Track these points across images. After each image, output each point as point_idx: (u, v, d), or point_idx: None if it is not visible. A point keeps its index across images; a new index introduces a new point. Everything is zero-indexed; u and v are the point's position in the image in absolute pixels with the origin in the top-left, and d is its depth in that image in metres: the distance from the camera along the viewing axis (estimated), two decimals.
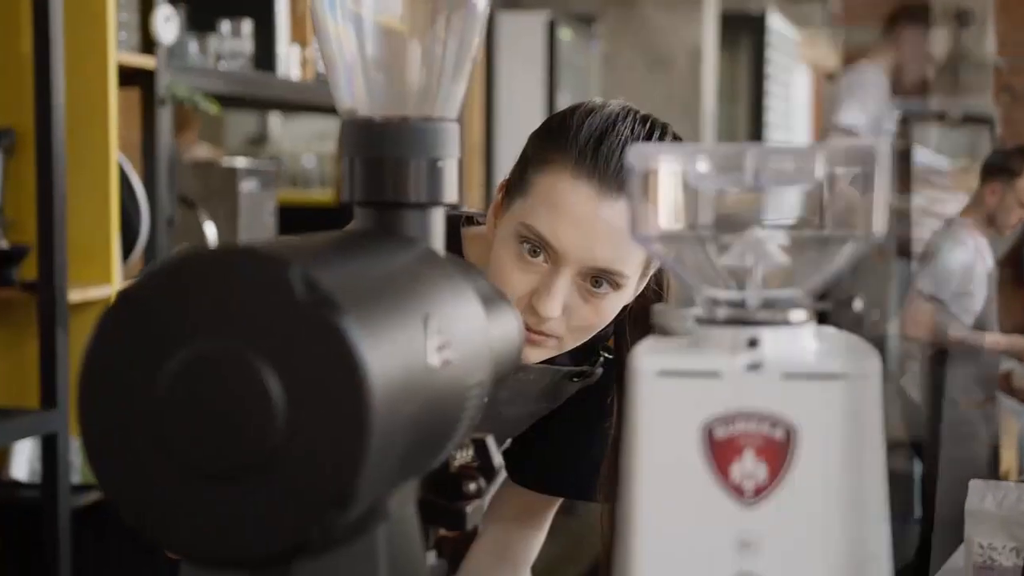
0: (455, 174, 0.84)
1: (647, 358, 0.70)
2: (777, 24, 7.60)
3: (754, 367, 0.69)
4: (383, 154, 0.81)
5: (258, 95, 3.20)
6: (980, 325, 4.32)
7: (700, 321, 0.72)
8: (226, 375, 0.62)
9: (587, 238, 1.24)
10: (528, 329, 1.27)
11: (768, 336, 0.70)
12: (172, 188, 2.83)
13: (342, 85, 0.84)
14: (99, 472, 0.64)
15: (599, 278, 1.26)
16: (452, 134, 0.83)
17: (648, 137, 1.28)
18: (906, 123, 4.82)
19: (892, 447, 4.36)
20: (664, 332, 0.78)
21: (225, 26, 3.09)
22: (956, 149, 7.54)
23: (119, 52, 2.61)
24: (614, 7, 5.37)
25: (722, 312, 0.72)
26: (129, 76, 2.68)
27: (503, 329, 0.86)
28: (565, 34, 4.86)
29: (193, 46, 3.00)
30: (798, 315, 0.71)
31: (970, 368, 4.36)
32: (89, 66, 2.53)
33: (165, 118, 2.72)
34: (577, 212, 1.23)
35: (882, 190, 0.70)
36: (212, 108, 2.78)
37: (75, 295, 2.48)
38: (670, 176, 0.72)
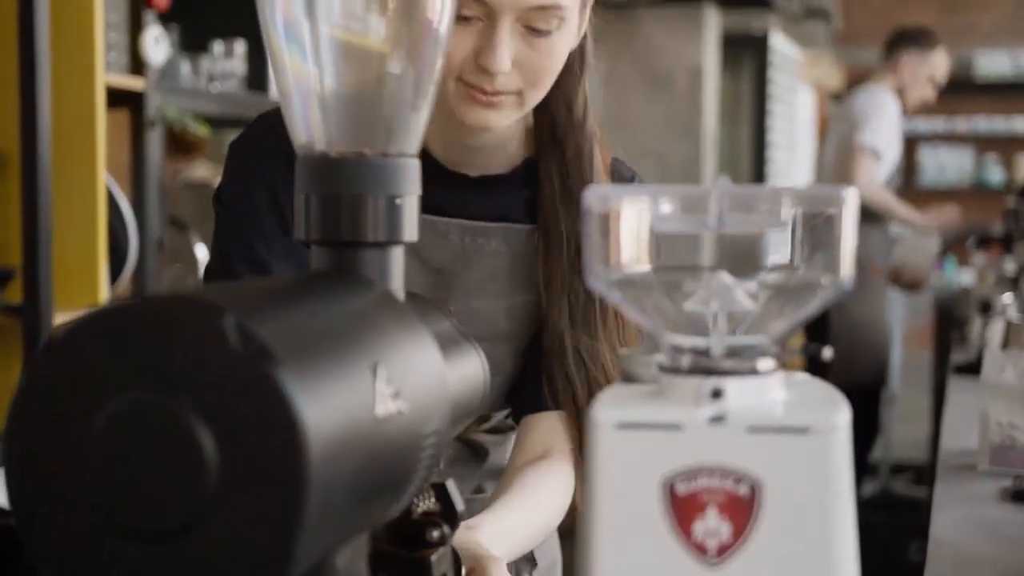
0: (415, 211, 0.81)
1: (606, 410, 0.67)
2: (779, 44, 7.58)
3: (717, 420, 0.66)
4: (339, 191, 0.78)
5: (251, 116, 3.17)
6: (887, 188, 4.62)
7: (663, 369, 0.69)
8: (157, 428, 0.59)
9: None
10: (483, 92, 1.23)
11: (733, 387, 0.67)
12: (162, 210, 2.80)
13: (298, 118, 0.81)
14: (23, 525, 0.61)
15: (539, 18, 1.21)
16: (412, 170, 0.80)
17: None
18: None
19: None
20: (629, 379, 0.74)
21: (218, 47, 3.06)
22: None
23: (108, 73, 2.59)
24: (614, 27, 5.35)
25: (686, 360, 0.69)
26: (119, 97, 2.66)
27: (463, 371, 0.83)
28: None
29: (185, 66, 2.98)
30: (765, 364, 0.68)
31: (880, 236, 4.50)
32: (77, 87, 2.50)
33: (154, 140, 2.70)
34: None
35: (850, 235, 0.67)
36: (202, 130, 2.75)
37: (61, 319, 2.45)
38: (630, 218, 0.69)
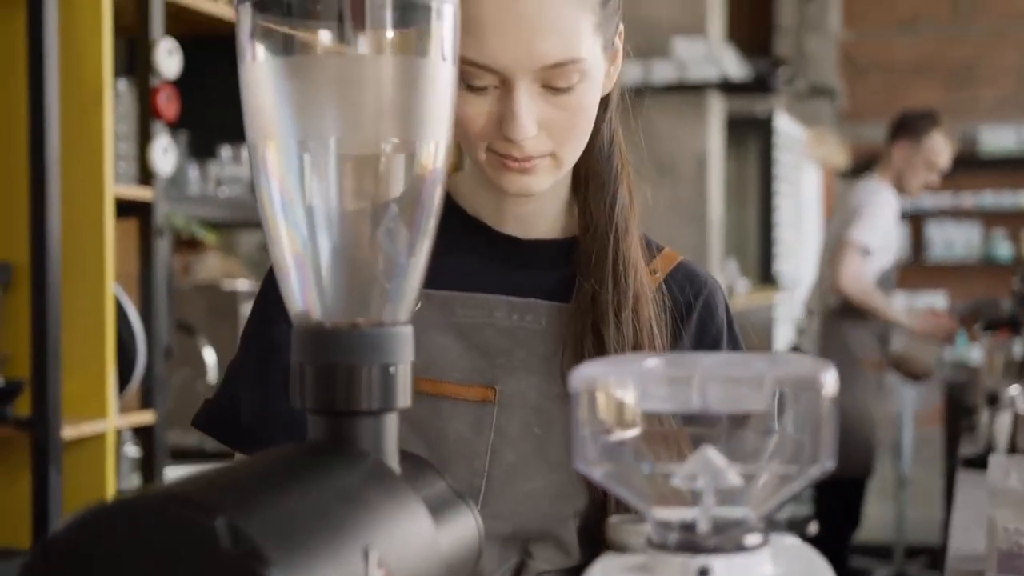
0: (408, 378, 0.82)
1: None
2: (784, 124, 7.64)
3: None
4: (334, 361, 0.80)
5: (257, 220, 3.21)
6: (882, 284, 4.55)
7: (651, 544, 0.70)
8: None
9: (518, 41, 1.11)
10: (514, 159, 1.16)
11: (720, 565, 0.68)
12: (170, 316, 2.83)
13: (293, 288, 0.83)
14: None
15: (557, 77, 1.13)
16: (405, 338, 0.82)
17: None
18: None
19: None
20: (618, 547, 0.75)
21: (225, 152, 3.11)
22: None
23: (117, 184, 2.63)
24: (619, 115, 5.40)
25: (672, 537, 0.70)
26: (127, 207, 2.69)
27: (456, 535, 0.84)
28: None
29: (194, 171, 3.02)
30: (752, 539, 0.69)
31: (871, 327, 4.48)
32: (86, 199, 2.54)
33: (162, 248, 2.73)
34: (496, 20, 1.11)
35: (830, 418, 0.68)
36: (209, 238, 2.79)
37: (69, 431, 2.46)
38: (615, 398, 0.70)
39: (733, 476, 0.70)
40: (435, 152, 0.83)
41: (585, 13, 1.14)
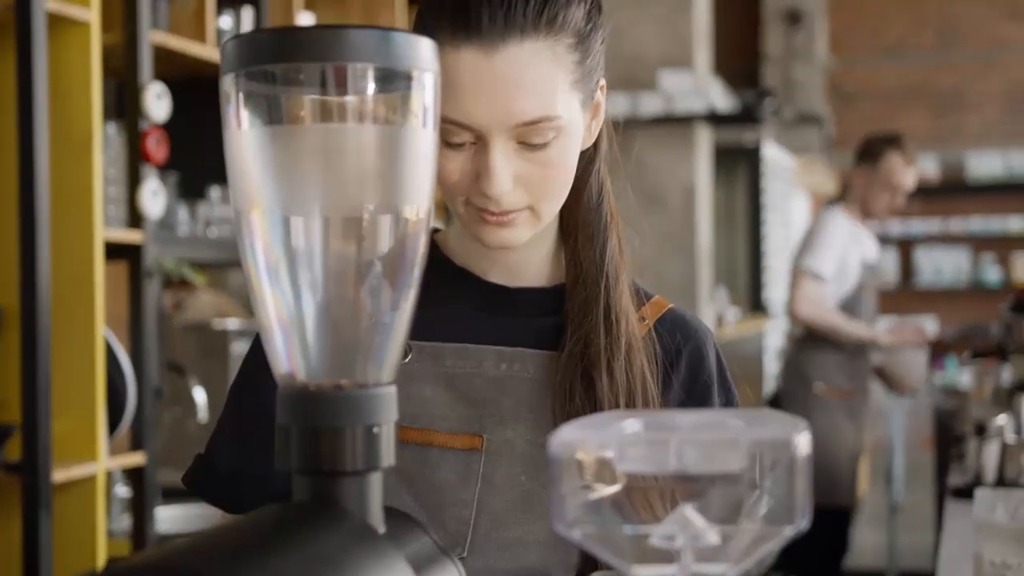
0: (392, 437, 0.84)
1: None
2: (772, 153, 7.68)
3: None
4: (318, 423, 0.81)
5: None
6: (849, 308, 4.52)
7: None
8: None
9: (493, 100, 1.13)
10: (491, 213, 1.17)
11: None
12: (160, 356, 2.84)
13: (279, 351, 0.84)
14: None
15: (532, 134, 1.14)
16: (389, 399, 0.83)
17: None
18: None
19: None
20: None
21: (215, 192, 3.12)
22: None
23: (107, 227, 2.64)
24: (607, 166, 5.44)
25: None
26: (117, 250, 2.71)
27: None
28: None
29: (183, 212, 3.03)
30: None
31: (835, 355, 4.45)
32: (76, 243, 2.55)
33: (152, 290, 2.74)
34: (471, 79, 1.12)
35: (804, 480, 0.70)
36: (198, 280, 2.80)
37: (60, 475, 2.46)
38: (595, 460, 0.72)
39: (712, 535, 0.71)
40: (417, 215, 0.84)
41: (561, 72, 1.15)
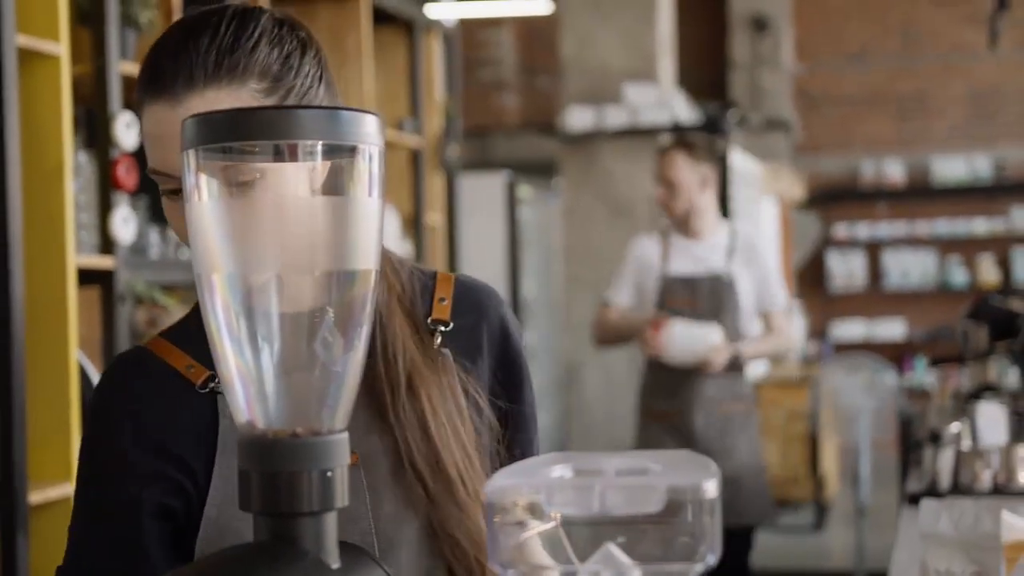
0: (345, 479, 0.91)
1: None
2: (740, 161, 7.78)
3: None
4: (276, 468, 0.89)
5: None
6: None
7: None
8: None
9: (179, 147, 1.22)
10: None
11: None
12: None
13: (239, 400, 0.91)
14: None
15: None
16: (342, 444, 0.91)
17: (204, 22, 1.21)
18: None
19: None
20: None
21: None
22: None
23: (79, 254, 2.70)
24: (574, 159, 5.52)
25: None
26: (89, 275, 2.77)
27: None
28: (525, 191, 4.98)
29: (154, 236, 3.09)
30: None
31: (658, 376, 4.17)
32: (48, 269, 2.61)
33: (124, 315, 2.80)
34: (161, 130, 1.20)
35: (714, 519, 0.77)
36: (169, 303, 2.87)
37: (35, 496, 2.52)
38: (525, 505, 0.79)
39: (634, 571, 0.79)
40: (366, 272, 0.92)
41: None
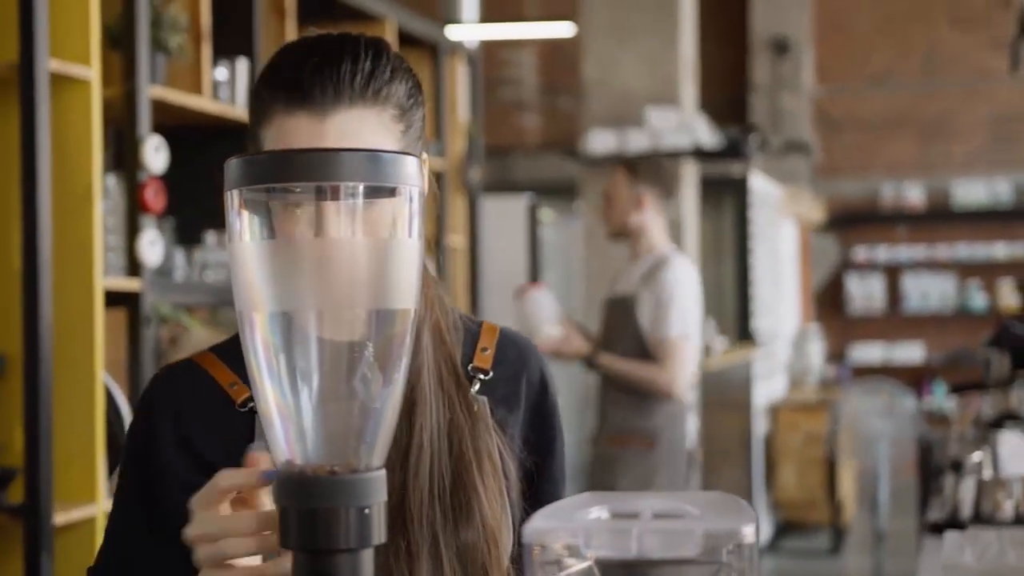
0: (383, 516, 0.92)
1: None
2: (759, 184, 7.78)
3: None
4: (315, 505, 0.90)
5: None
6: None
7: None
8: None
9: None
10: None
11: None
12: None
13: (279, 440, 0.92)
14: None
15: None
16: (379, 482, 0.92)
17: (342, 44, 1.24)
18: None
19: None
20: None
21: (210, 237, 3.21)
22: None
23: (106, 276, 2.72)
24: (595, 182, 5.53)
25: None
26: (116, 297, 2.79)
27: None
28: (546, 215, 4.99)
29: (180, 258, 3.12)
30: None
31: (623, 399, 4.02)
32: (77, 291, 2.63)
33: (150, 337, 2.82)
34: (303, 140, 1.20)
35: (752, 563, 0.78)
36: (194, 325, 2.88)
37: (60, 517, 2.54)
38: (562, 547, 0.80)
39: None
40: (405, 311, 0.93)
41: (387, 138, 1.23)
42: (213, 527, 1.01)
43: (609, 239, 4.24)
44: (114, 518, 1.32)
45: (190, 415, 1.29)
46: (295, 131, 1.20)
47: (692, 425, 4.12)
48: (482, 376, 1.34)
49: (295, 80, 1.21)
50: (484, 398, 1.32)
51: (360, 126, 1.21)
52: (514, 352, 1.38)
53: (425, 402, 1.28)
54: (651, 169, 4.15)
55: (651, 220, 4.08)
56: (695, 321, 4.03)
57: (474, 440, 1.29)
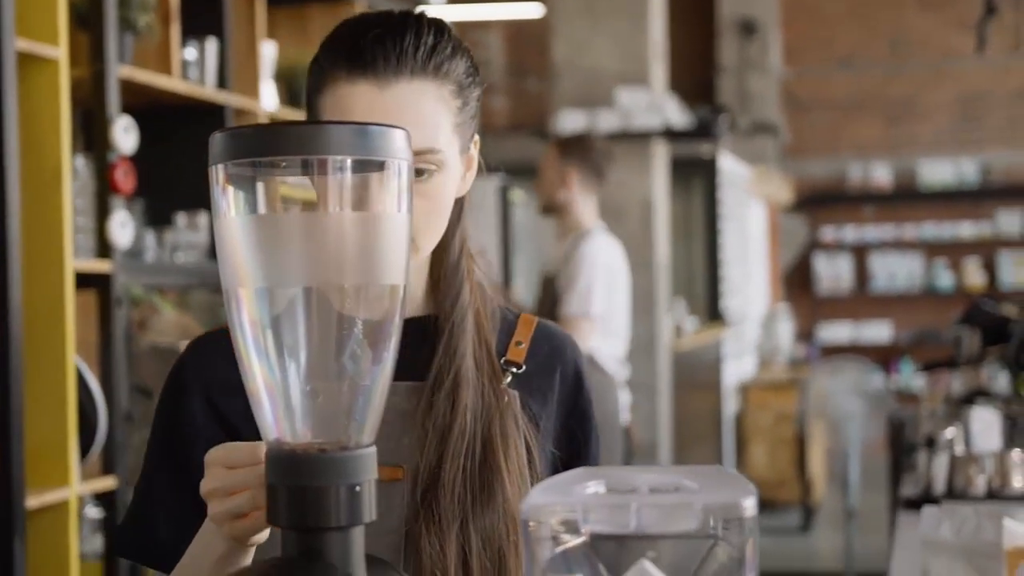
0: (373, 493, 0.91)
1: None
2: (728, 164, 7.80)
3: None
4: (304, 483, 0.89)
5: (215, 283, 3.29)
6: None
7: None
8: None
9: None
10: None
11: None
12: (128, 381, 2.89)
13: (267, 417, 0.91)
14: None
15: (417, 162, 1.19)
16: (369, 459, 0.91)
17: (404, 18, 1.25)
18: None
19: None
20: None
21: (181, 219, 3.18)
22: None
23: (76, 258, 2.69)
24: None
25: None
26: (86, 279, 2.76)
27: None
28: (517, 196, 4.98)
29: (151, 239, 3.09)
30: None
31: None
32: (47, 274, 2.60)
33: (121, 319, 2.79)
34: (365, 109, 1.21)
35: (752, 537, 0.77)
36: (165, 307, 2.86)
37: (32, 500, 2.51)
38: (560, 522, 0.79)
39: None
40: (393, 286, 0.92)
41: (445, 112, 1.25)
42: (227, 481, 1.02)
43: (539, 214, 4.27)
44: (143, 479, 1.33)
45: (221, 383, 1.29)
46: (355, 99, 1.21)
47: (625, 400, 4.15)
48: (514, 370, 1.34)
49: (358, 49, 1.22)
50: (515, 392, 1.32)
51: (419, 98, 1.22)
52: (549, 346, 1.38)
53: (468, 383, 1.28)
54: (580, 148, 4.14)
55: (578, 198, 4.09)
56: (602, 299, 3.99)
57: (503, 427, 1.29)
